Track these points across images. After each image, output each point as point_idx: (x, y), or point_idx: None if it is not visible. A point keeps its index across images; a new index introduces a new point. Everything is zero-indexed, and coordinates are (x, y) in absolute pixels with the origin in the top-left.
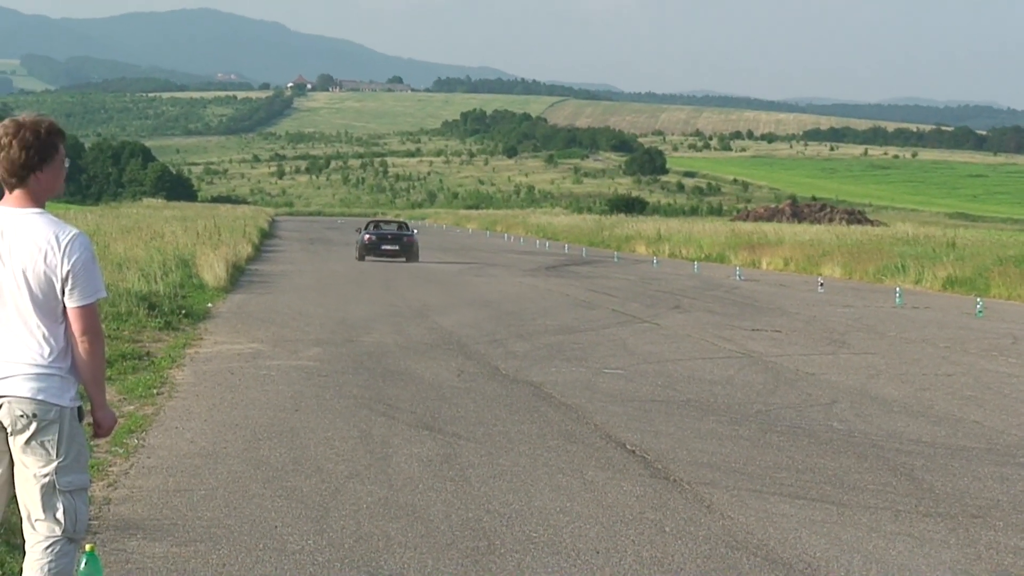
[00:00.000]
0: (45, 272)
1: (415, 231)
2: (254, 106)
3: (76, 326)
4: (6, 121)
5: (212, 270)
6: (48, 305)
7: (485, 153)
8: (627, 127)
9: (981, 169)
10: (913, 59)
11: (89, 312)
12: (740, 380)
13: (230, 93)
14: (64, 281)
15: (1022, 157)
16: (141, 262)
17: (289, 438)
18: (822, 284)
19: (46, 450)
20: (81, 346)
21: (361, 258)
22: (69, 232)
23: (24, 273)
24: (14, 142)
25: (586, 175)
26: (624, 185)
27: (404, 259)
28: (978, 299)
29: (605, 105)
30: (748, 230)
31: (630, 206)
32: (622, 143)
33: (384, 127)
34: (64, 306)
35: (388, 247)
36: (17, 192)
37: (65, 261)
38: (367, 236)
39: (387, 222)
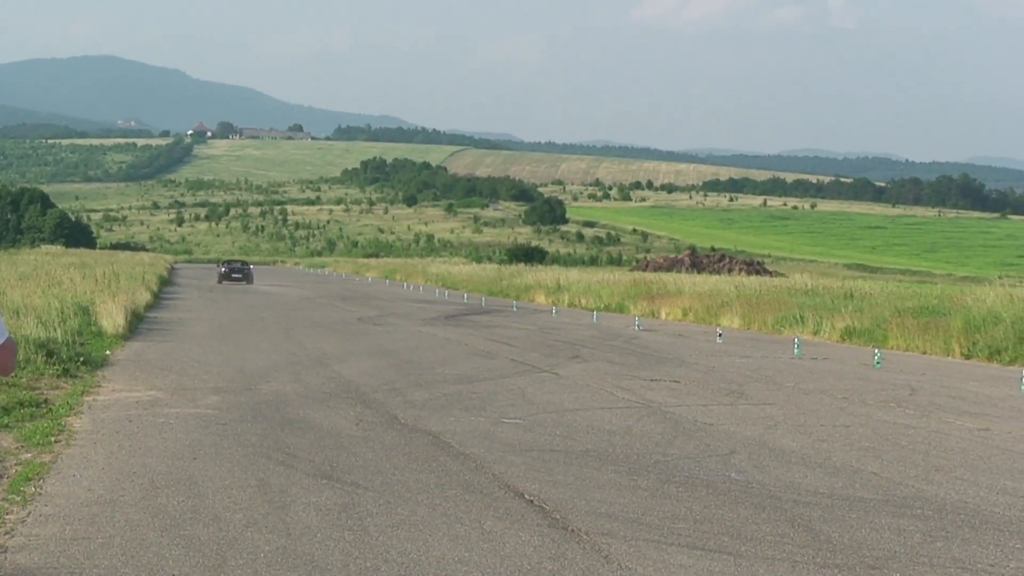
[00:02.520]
0: None
1: (251, 267)
2: (154, 153)
3: None
4: None
5: (111, 317)
6: None
7: (385, 202)
8: (527, 176)
9: (879, 220)
10: (812, 111)
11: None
12: (639, 430)
13: (130, 140)
14: None
15: (920, 209)
16: (39, 309)
17: (187, 486)
18: (721, 334)
19: None
20: None
21: (220, 282)
22: None
23: None
24: None
25: (486, 224)
26: (524, 234)
27: (245, 282)
28: (876, 350)
29: (505, 155)
30: (648, 280)
31: (530, 255)
32: (522, 192)
33: (284, 175)
34: None
35: (236, 275)
36: None
37: None
38: (223, 268)
39: (234, 260)
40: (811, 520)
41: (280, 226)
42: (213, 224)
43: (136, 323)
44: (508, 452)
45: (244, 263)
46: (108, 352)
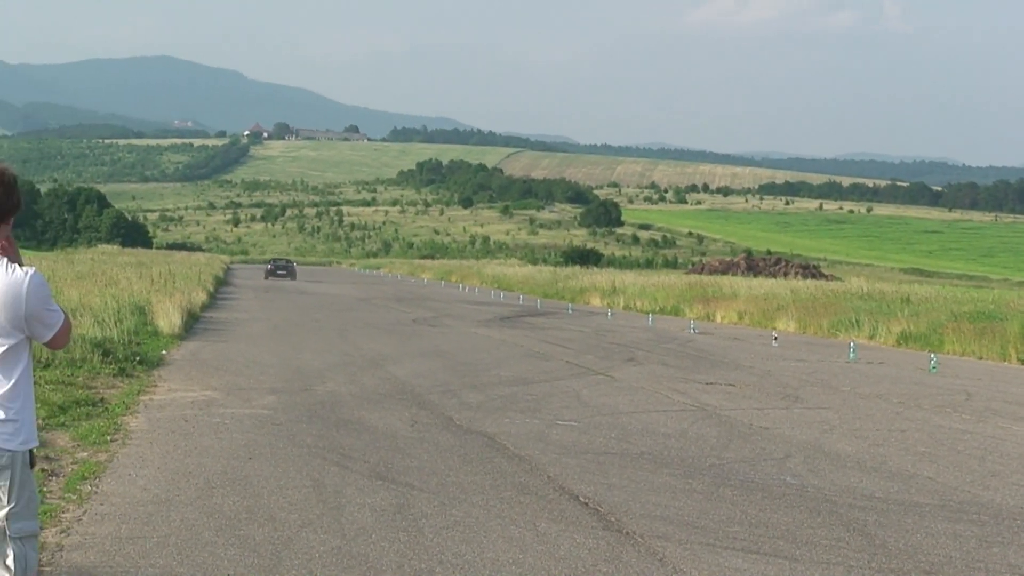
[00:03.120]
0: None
1: (294, 264)
2: (210, 153)
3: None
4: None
5: (167, 317)
6: None
7: (441, 203)
8: (583, 179)
9: (936, 225)
10: (868, 115)
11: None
12: (694, 433)
13: (186, 140)
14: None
15: (977, 213)
16: (96, 308)
17: (242, 486)
18: (776, 338)
19: None
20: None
21: (266, 278)
22: (27, 271)
23: None
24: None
25: (541, 226)
26: (579, 237)
27: (289, 279)
28: (932, 355)
29: (561, 157)
30: (703, 283)
31: (585, 258)
32: (578, 195)
33: (340, 176)
34: (14, 345)
35: (280, 272)
36: None
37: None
38: (269, 266)
39: (279, 259)
40: (866, 525)
41: (336, 227)
42: (269, 225)
43: (192, 323)
44: (563, 454)
45: (288, 261)
46: (164, 352)
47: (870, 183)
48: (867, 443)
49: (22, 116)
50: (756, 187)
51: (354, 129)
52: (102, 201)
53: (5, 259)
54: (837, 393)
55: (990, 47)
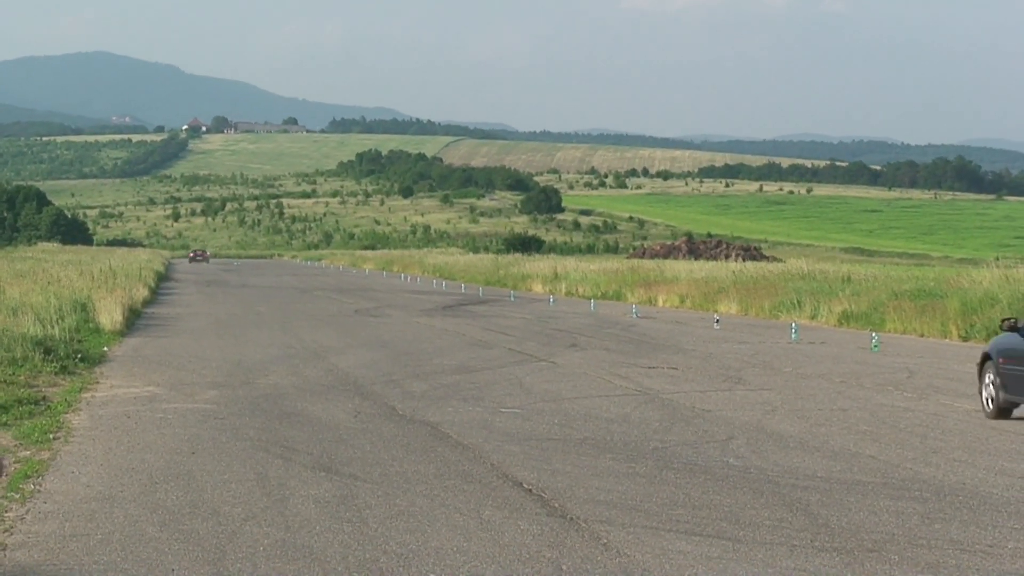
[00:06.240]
0: None
1: (207, 252)
2: (149, 149)
3: None
4: None
5: (108, 314)
6: None
7: (381, 193)
8: (523, 166)
9: (876, 204)
10: (806, 95)
11: None
12: (637, 417)
13: (125, 136)
14: None
15: (916, 192)
16: (37, 307)
17: (186, 481)
18: (718, 321)
19: None
20: None
21: (190, 263)
22: None
23: None
24: None
25: (482, 214)
26: (520, 224)
27: (205, 264)
28: (873, 334)
29: (500, 144)
30: (645, 267)
31: (526, 245)
32: (518, 182)
33: (279, 168)
34: None
35: (199, 258)
36: None
37: None
38: (190, 255)
39: (198, 250)
40: (809, 504)
41: (276, 220)
42: (209, 219)
43: (134, 319)
44: (506, 441)
45: (204, 251)
46: (106, 348)
47: (809, 164)
48: (809, 423)
49: None
50: (696, 170)
51: (293, 121)
52: (41, 199)
53: None
54: (779, 374)
55: (926, 25)
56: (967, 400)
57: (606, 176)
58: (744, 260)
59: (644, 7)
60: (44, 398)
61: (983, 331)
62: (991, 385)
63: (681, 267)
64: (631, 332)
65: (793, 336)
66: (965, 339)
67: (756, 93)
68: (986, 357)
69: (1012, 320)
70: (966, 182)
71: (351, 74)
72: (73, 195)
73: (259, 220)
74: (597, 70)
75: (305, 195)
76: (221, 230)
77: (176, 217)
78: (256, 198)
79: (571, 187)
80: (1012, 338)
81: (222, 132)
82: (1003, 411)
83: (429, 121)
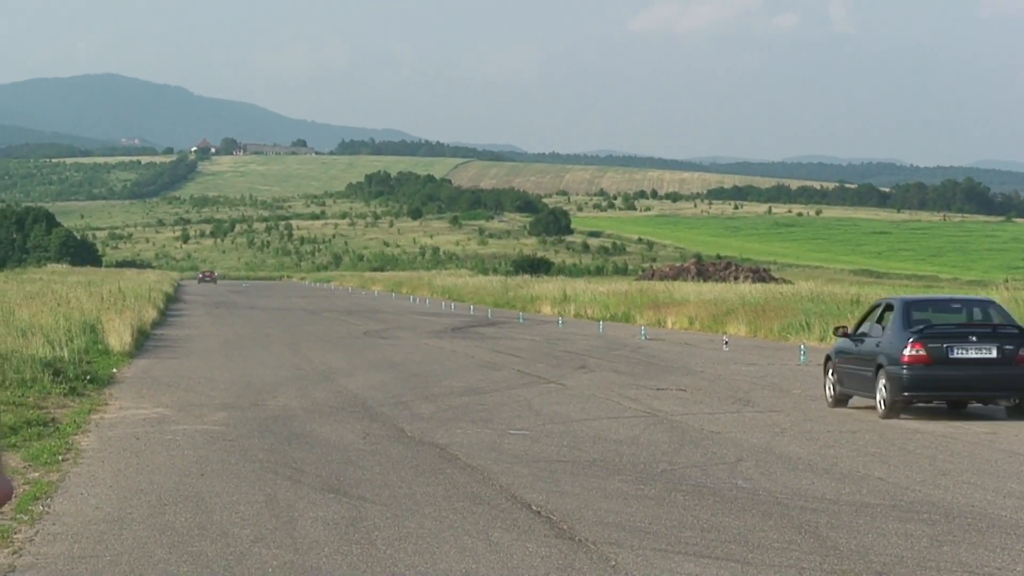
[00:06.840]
0: None
1: (215, 272)
2: (158, 170)
3: None
4: None
5: (117, 335)
6: None
7: (390, 215)
8: (531, 188)
9: (884, 226)
10: (816, 117)
11: None
12: (645, 439)
13: (134, 158)
14: None
15: (925, 213)
16: (46, 328)
17: (194, 503)
18: (727, 342)
19: None
20: None
21: (199, 283)
22: None
23: None
24: None
25: (491, 236)
26: (529, 246)
27: (213, 284)
28: None
29: (509, 166)
30: (653, 289)
31: (535, 267)
32: (527, 204)
33: (288, 190)
34: None
35: (207, 279)
36: None
37: None
38: (199, 276)
39: (207, 271)
40: (818, 526)
41: (285, 241)
42: (218, 240)
43: (143, 340)
44: (515, 463)
45: (211, 272)
46: (115, 370)
47: (818, 186)
48: (818, 445)
49: None
50: (705, 192)
51: (302, 143)
52: (50, 220)
53: None
54: (788, 396)
55: (936, 48)
56: (977, 423)
57: (615, 198)
58: (753, 282)
59: (652, 29)
60: (53, 419)
61: None
62: (830, 380)
63: (690, 289)
64: (640, 354)
65: (802, 358)
66: None
67: (765, 115)
68: (828, 358)
69: (844, 328)
70: (975, 204)
71: (359, 95)
72: (82, 216)
73: (268, 242)
74: (605, 92)
75: (314, 217)
76: (230, 252)
77: (185, 239)
78: (265, 219)
79: (580, 209)
80: (845, 342)
81: (231, 154)
82: (839, 401)
83: (438, 143)
